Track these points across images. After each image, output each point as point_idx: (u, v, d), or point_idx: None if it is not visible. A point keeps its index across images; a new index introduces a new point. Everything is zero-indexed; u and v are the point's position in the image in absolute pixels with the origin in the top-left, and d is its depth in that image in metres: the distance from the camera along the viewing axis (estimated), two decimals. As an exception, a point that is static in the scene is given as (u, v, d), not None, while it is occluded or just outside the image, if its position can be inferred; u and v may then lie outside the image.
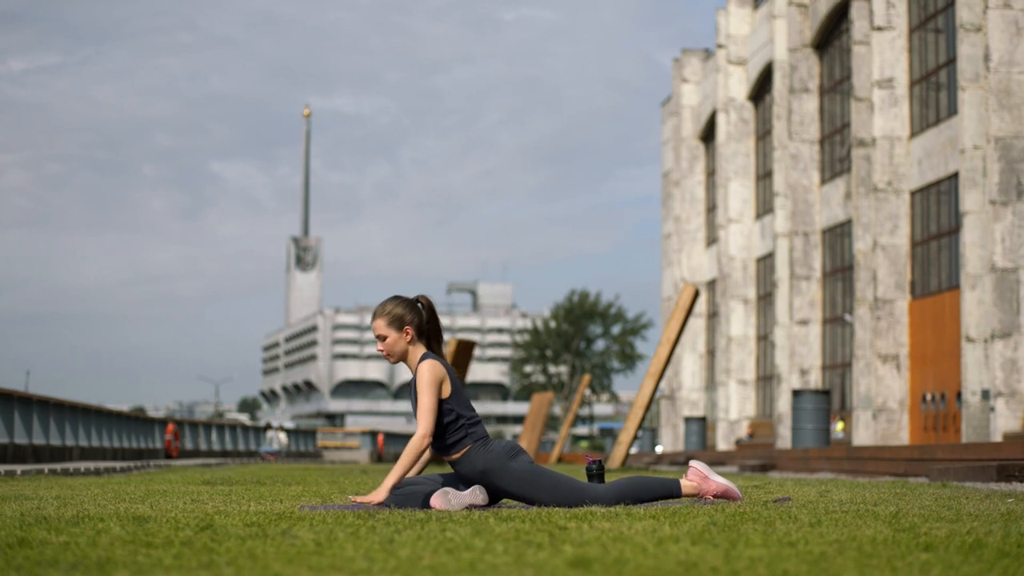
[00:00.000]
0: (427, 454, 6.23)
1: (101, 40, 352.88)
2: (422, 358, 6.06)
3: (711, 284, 53.53)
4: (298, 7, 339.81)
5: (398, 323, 6.07)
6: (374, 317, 6.12)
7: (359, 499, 5.91)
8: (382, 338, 6.07)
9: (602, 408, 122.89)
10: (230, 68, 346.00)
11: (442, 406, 6.01)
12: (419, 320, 6.08)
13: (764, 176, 47.70)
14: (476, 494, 5.93)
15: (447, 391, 6.02)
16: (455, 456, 6.08)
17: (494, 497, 6.12)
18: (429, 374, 5.97)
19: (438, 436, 6.06)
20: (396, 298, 6.14)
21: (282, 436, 39.97)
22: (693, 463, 6.31)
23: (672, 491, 6.19)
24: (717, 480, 6.28)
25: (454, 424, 6.04)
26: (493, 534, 3.99)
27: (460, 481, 6.16)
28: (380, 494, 5.88)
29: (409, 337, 6.08)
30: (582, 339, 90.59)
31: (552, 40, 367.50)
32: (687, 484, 6.22)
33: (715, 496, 6.26)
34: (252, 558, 3.28)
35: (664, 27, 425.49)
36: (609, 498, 6.04)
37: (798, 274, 41.36)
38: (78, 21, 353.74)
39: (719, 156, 50.14)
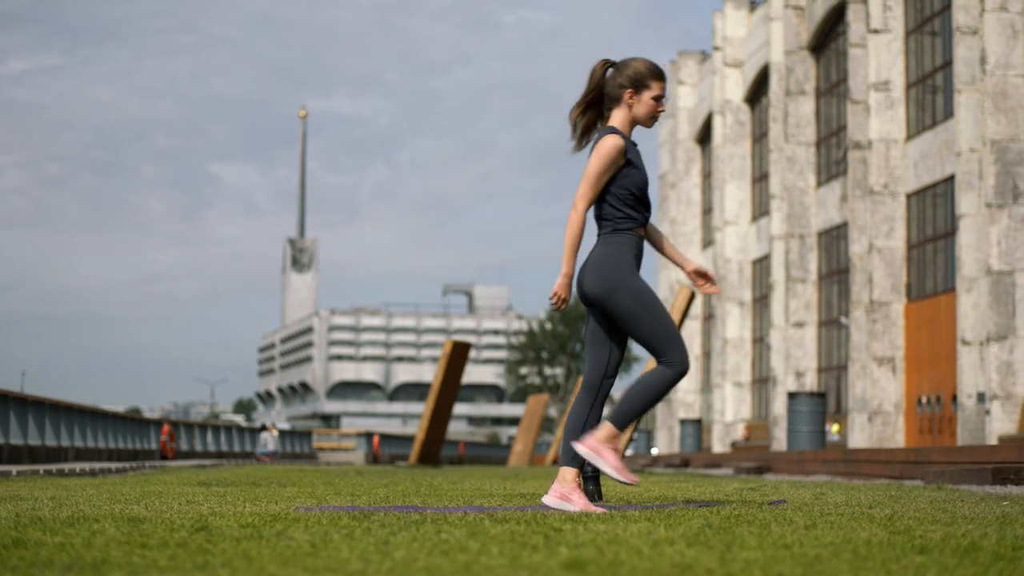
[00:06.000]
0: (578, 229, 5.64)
1: (101, 41, 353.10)
2: (609, 132, 5.61)
3: (707, 286, 53.52)
4: (298, 8, 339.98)
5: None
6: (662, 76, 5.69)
7: (556, 292, 5.49)
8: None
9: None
10: (230, 69, 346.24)
11: (612, 181, 5.60)
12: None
13: (760, 178, 47.71)
14: (591, 505, 5.58)
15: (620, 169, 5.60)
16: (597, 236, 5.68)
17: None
18: (613, 146, 5.53)
19: (596, 208, 5.68)
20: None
21: (264, 435, 39.65)
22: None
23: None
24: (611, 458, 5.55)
25: (612, 203, 5.63)
26: (488, 536, 3.98)
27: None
28: (565, 278, 5.54)
29: (630, 100, 5.66)
30: (577, 341, 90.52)
31: (551, 42, 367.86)
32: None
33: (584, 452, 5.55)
34: (247, 559, 3.28)
35: (662, 29, 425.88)
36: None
37: (794, 276, 41.38)
38: (78, 21, 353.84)
39: (715, 158, 50.14)
